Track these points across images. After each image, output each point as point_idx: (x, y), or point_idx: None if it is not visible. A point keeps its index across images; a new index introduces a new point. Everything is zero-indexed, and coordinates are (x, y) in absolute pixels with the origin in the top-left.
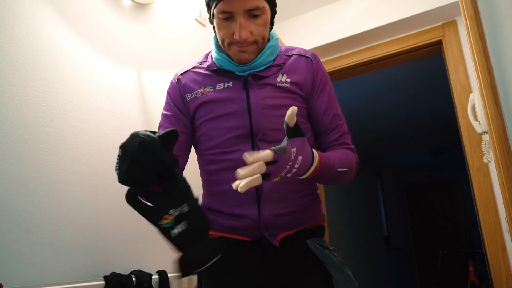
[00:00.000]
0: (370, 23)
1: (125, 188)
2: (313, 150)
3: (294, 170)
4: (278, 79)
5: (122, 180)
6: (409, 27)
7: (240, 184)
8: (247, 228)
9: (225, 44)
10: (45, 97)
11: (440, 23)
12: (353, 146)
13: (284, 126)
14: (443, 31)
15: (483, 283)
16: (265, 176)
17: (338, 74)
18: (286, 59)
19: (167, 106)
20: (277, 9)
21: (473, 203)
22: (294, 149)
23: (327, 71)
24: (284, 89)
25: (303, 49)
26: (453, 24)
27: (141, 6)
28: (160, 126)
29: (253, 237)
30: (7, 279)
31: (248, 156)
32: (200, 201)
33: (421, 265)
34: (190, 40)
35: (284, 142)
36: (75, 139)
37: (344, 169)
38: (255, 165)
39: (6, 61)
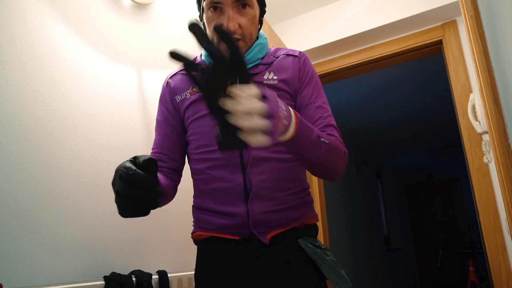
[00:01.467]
0: (370, 23)
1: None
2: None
3: (285, 113)
4: (265, 77)
5: (121, 213)
6: (409, 27)
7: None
8: (236, 226)
9: (215, 40)
10: (45, 97)
11: (440, 23)
12: (341, 140)
13: None
14: (443, 31)
15: (483, 283)
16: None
17: (338, 74)
18: (274, 59)
19: (159, 112)
20: (278, 9)
21: (473, 203)
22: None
23: (327, 71)
24: (271, 87)
25: (291, 49)
26: (453, 24)
27: (141, 6)
28: (155, 130)
29: (242, 236)
30: (7, 279)
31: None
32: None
33: (421, 265)
34: (190, 40)
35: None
36: (75, 139)
37: (327, 141)
38: (247, 103)
39: (6, 61)
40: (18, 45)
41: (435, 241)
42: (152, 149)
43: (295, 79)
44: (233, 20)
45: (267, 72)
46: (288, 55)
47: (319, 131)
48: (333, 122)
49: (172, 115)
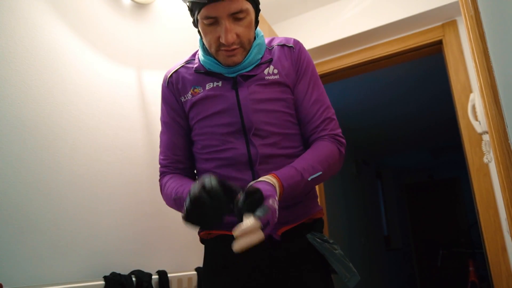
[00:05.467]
0: (370, 23)
1: (124, 190)
2: (270, 177)
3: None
4: (266, 72)
5: (185, 218)
6: (409, 27)
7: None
8: None
9: (213, 49)
10: (45, 97)
11: (440, 23)
12: (336, 131)
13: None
14: (443, 31)
15: (483, 283)
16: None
17: (338, 74)
18: (272, 53)
19: (164, 113)
20: (278, 9)
21: (473, 203)
22: (271, 200)
23: (327, 71)
24: (273, 83)
25: (285, 38)
26: (453, 24)
27: (141, 6)
28: (162, 133)
29: None
30: (7, 279)
31: (237, 231)
32: None
33: (421, 265)
34: (190, 39)
35: (257, 200)
36: (75, 139)
37: (318, 174)
38: (252, 238)
39: (6, 61)
40: (18, 45)
41: (435, 241)
42: (163, 152)
43: (292, 72)
44: (231, 32)
45: (267, 67)
46: (282, 45)
47: (307, 166)
48: (330, 114)
49: (180, 115)
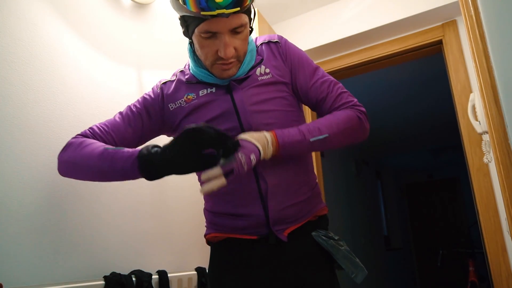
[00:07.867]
0: (370, 23)
1: (124, 189)
2: (267, 133)
3: (253, 160)
4: (258, 73)
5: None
6: (409, 27)
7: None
8: (253, 227)
9: (208, 62)
10: (45, 97)
11: (440, 23)
12: (353, 101)
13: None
14: (443, 31)
15: (483, 283)
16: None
17: (338, 74)
18: (261, 52)
19: (137, 103)
20: (278, 9)
21: (473, 203)
22: (240, 153)
23: (327, 71)
24: (267, 83)
25: (268, 36)
26: (453, 24)
27: (141, 6)
28: (116, 115)
29: (260, 235)
30: (7, 279)
31: (203, 176)
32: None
33: (421, 265)
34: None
35: (231, 150)
36: None
37: (323, 137)
38: (213, 183)
39: (6, 61)
40: (18, 45)
41: (435, 241)
42: (101, 125)
43: (284, 67)
44: (230, 46)
45: (259, 67)
46: (268, 42)
47: (313, 128)
48: (340, 89)
49: (151, 117)
